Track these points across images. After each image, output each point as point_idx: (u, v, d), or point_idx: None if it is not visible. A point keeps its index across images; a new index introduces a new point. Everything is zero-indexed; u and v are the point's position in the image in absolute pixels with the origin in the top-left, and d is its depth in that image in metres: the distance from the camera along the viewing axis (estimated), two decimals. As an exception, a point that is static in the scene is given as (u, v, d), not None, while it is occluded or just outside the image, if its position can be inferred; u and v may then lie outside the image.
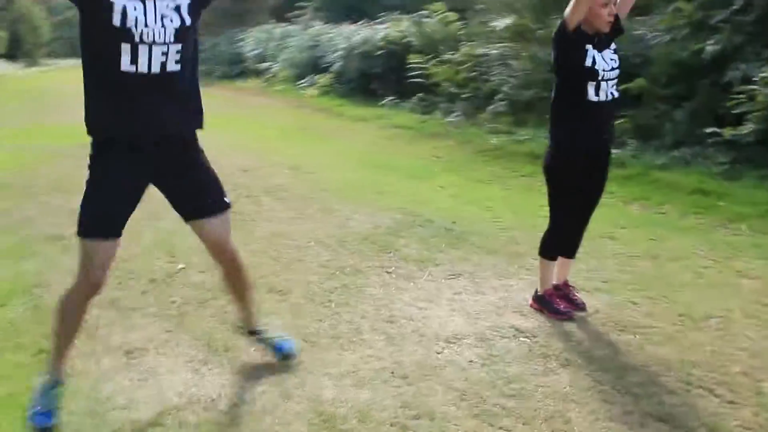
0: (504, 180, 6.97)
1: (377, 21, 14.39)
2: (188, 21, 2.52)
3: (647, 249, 4.62)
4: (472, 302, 3.84)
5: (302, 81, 15.96)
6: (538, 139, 8.33)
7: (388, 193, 6.46)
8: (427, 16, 12.67)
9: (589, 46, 3.29)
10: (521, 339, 3.38)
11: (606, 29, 3.32)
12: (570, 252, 3.70)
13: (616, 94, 3.40)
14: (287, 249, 4.83)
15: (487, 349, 3.29)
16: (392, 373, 3.09)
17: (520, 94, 9.52)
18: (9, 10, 38.30)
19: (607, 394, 2.85)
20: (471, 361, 3.18)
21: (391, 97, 12.38)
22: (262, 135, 10.34)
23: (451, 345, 3.34)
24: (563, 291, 3.73)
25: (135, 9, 2.40)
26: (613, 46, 3.39)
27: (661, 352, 3.21)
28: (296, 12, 19.83)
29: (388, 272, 4.32)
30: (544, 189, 3.62)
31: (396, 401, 2.85)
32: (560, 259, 3.71)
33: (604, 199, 3.73)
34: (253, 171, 7.55)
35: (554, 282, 3.74)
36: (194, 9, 2.56)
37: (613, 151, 7.00)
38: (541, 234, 3.69)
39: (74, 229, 2.63)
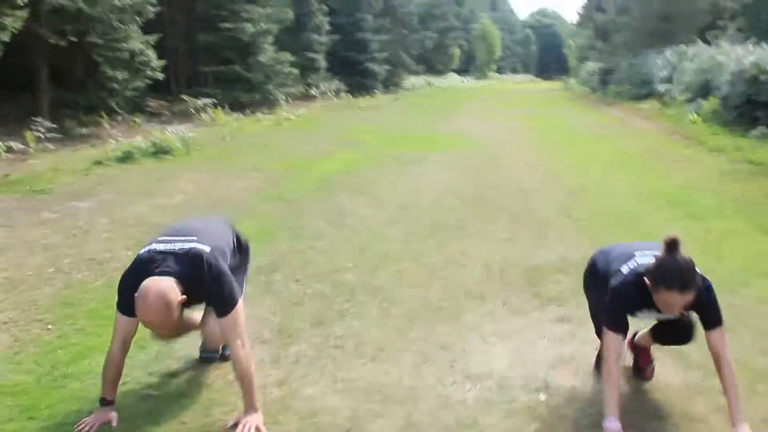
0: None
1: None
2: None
3: None
4: (542, 349, 3.55)
5: (690, 106, 14.84)
6: None
7: (636, 229, 5.95)
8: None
9: None
10: (536, 396, 3.08)
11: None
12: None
13: None
14: (447, 266, 4.96)
15: (491, 394, 3.09)
16: (376, 391, 3.15)
17: None
18: (468, 30, 42.77)
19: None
20: (459, 399, 3.04)
21: (764, 128, 10.87)
22: (590, 157, 10.16)
23: (466, 381, 3.22)
24: (637, 352, 3.25)
25: None
26: None
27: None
28: (715, 31, 18.38)
29: (504, 303, 4.19)
30: None
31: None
32: None
33: None
34: (529, 191, 7.60)
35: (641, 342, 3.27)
36: None
37: None
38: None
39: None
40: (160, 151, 10.91)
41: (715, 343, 2.71)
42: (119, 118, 16.13)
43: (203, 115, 17.23)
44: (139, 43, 13.92)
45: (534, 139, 12.83)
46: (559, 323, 3.88)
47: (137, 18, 13.86)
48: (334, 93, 25.97)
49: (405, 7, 33.18)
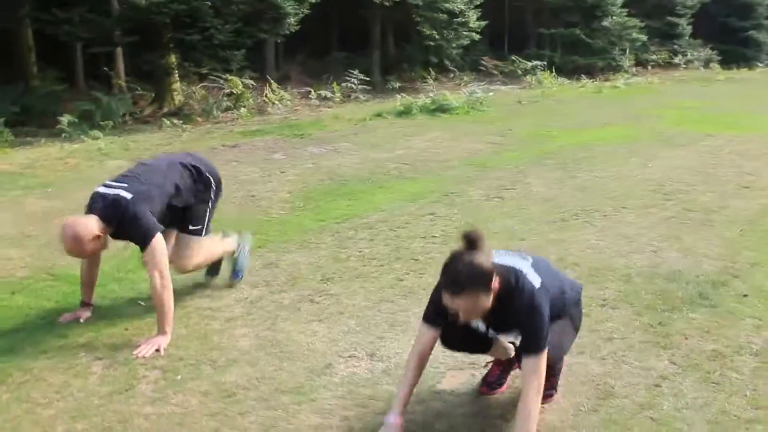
0: None
1: None
2: None
3: None
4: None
5: None
6: None
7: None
8: None
9: None
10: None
11: None
12: None
13: None
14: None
15: (366, 374, 3.15)
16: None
17: None
18: None
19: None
20: (336, 371, 3.17)
21: None
22: None
23: (364, 357, 3.31)
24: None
25: None
26: None
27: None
28: None
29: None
30: None
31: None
32: None
33: None
34: (729, 193, 6.52)
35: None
36: None
37: None
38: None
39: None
40: (438, 109, 11.60)
41: (523, 371, 2.46)
42: (451, 75, 17.27)
43: (530, 77, 17.50)
44: (461, 4, 14.65)
45: None
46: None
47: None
48: (702, 62, 23.70)
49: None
